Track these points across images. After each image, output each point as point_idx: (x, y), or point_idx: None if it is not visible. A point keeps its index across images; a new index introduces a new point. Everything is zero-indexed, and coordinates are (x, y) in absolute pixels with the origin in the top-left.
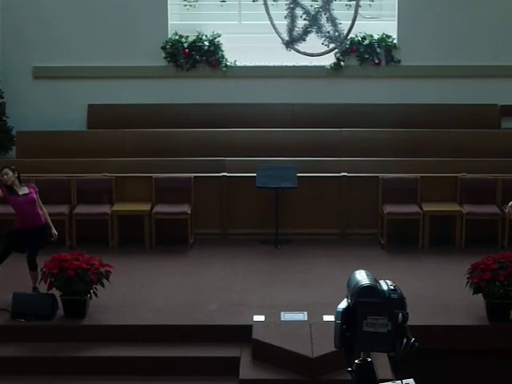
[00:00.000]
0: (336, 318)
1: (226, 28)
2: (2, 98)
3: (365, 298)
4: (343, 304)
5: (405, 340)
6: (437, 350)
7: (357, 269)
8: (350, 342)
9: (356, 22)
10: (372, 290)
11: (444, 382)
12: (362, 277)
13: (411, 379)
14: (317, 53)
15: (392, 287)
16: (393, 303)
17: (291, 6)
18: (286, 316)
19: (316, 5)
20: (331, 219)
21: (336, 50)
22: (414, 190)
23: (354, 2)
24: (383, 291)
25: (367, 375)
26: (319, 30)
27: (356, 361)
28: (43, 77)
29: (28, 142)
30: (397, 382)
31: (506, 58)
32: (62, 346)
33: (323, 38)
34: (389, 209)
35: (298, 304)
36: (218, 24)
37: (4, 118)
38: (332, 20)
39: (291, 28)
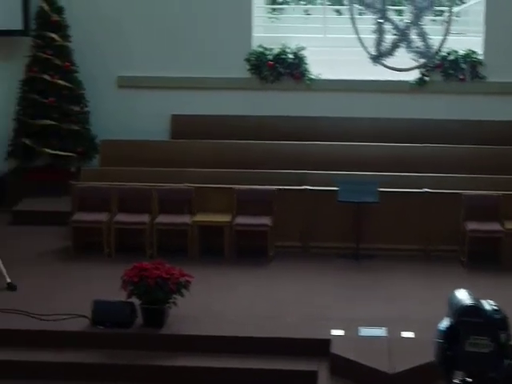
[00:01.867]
0: (438, 337)
1: (310, 41)
2: (87, 106)
3: (468, 317)
4: (445, 323)
5: (507, 361)
6: None
7: (440, 286)
8: (451, 361)
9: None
10: (475, 309)
11: None
12: (463, 296)
13: None
14: (405, 68)
15: (495, 307)
16: (496, 323)
17: (380, 20)
18: (365, 331)
19: (406, 20)
20: (412, 235)
21: (423, 66)
22: (496, 207)
23: (444, 17)
24: (486, 311)
25: None
26: (409, 45)
27: (455, 380)
28: (127, 86)
29: (111, 151)
30: None
31: None
32: (140, 354)
33: (412, 53)
34: (471, 226)
35: (376, 319)
36: (303, 37)
37: (88, 127)
38: (422, 35)
39: (379, 42)
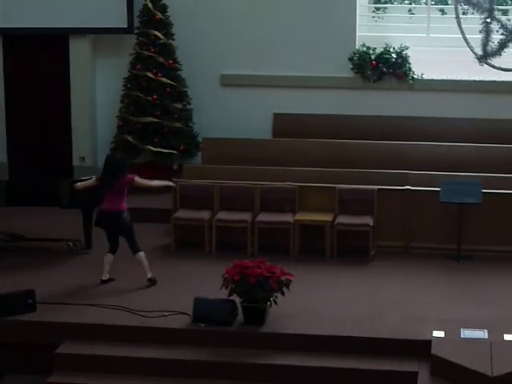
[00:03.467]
0: None
1: (413, 40)
2: (190, 104)
3: None
4: None
5: None
6: None
7: None
8: None
9: None
10: None
11: None
12: None
13: None
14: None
15: None
16: None
17: (487, 20)
18: (466, 333)
19: None
20: None
21: None
22: None
23: None
24: None
25: None
26: None
27: None
28: (230, 84)
29: (213, 149)
30: None
31: None
32: (241, 352)
33: None
34: None
35: (478, 321)
36: (406, 36)
37: (191, 124)
38: None
39: (486, 42)
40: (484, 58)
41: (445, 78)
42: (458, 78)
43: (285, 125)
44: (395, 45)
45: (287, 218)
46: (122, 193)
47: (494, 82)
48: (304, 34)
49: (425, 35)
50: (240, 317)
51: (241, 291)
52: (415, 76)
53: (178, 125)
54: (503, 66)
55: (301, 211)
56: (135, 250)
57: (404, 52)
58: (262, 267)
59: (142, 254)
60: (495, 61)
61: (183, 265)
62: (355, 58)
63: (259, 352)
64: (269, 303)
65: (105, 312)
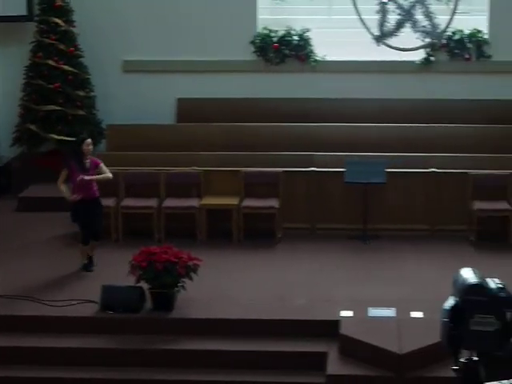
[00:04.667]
0: (443, 317)
1: (315, 22)
2: (92, 91)
3: (473, 296)
4: (450, 302)
5: None
6: None
7: (448, 266)
8: (457, 340)
9: (447, 17)
10: (480, 288)
11: None
12: (469, 275)
13: None
14: (410, 47)
15: (500, 285)
16: (501, 302)
17: (383, 0)
18: (374, 312)
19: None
20: (420, 215)
21: (428, 45)
22: (503, 186)
23: None
24: (491, 289)
25: (473, 374)
26: (414, 25)
27: (462, 359)
28: (133, 70)
29: (117, 136)
30: (504, 381)
31: None
32: (150, 338)
33: (419, 33)
34: (478, 205)
35: (385, 300)
36: (308, 18)
37: (94, 112)
38: (428, 14)
39: (382, 23)
40: (381, 38)
41: (347, 59)
42: (361, 59)
43: (189, 110)
44: (297, 27)
45: (193, 202)
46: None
47: (396, 62)
48: (205, 18)
49: (326, 17)
50: (148, 303)
51: (148, 277)
52: (318, 58)
53: (81, 112)
54: (401, 46)
55: (207, 196)
56: (100, 236)
57: (306, 34)
58: (169, 253)
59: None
60: (394, 41)
61: None
62: (257, 41)
63: (169, 338)
64: (177, 289)
65: (13, 303)
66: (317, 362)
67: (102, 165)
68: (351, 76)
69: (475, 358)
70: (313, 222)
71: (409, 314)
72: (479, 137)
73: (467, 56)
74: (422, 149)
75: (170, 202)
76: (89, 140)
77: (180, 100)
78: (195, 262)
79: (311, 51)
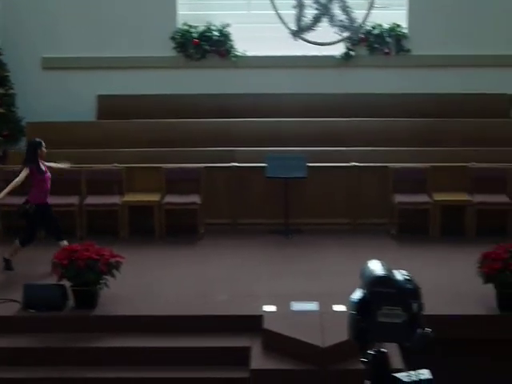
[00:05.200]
0: (350, 309)
1: (235, 18)
2: (12, 89)
3: (379, 288)
4: (357, 294)
5: (419, 331)
6: (447, 339)
7: (369, 259)
8: (365, 332)
9: (365, 11)
10: (387, 280)
11: (455, 371)
12: (376, 267)
13: (427, 370)
14: (327, 42)
15: (407, 277)
16: (408, 293)
17: None
18: (297, 306)
19: None
20: (341, 209)
21: (346, 40)
22: (424, 179)
23: None
24: (398, 281)
25: (381, 366)
26: (332, 20)
27: (370, 351)
28: (52, 68)
29: (38, 133)
30: (411, 372)
31: None
32: (73, 336)
33: (336, 27)
34: (399, 199)
35: (308, 294)
36: (227, 14)
37: (14, 109)
38: (345, 9)
39: (299, 18)
40: (298, 33)
41: (267, 54)
42: (281, 54)
43: (109, 106)
44: (217, 22)
45: (115, 199)
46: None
47: (316, 57)
48: (125, 14)
49: (245, 12)
50: (71, 301)
51: (70, 275)
52: (238, 53)
53: (0, 110)
54: (319, 41)
55: (129, 192)
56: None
57: (226, 29)
58: (90, 250)
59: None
60: (312, 36)
61: None
62: (177, 36)
63: (92, 335)
64: (99, 286)
65: None
66: (240, 357)
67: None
68: (272, 71)
69: (383, 350)
70: (234, 218)
71: (331, 308)
72: (399, 130)
73: (387, 50)
74: (342, 143)
75: (91, 200)
76: (43, 144)
77: (100, 97)
78: (117, 259)
79: (231, 46)
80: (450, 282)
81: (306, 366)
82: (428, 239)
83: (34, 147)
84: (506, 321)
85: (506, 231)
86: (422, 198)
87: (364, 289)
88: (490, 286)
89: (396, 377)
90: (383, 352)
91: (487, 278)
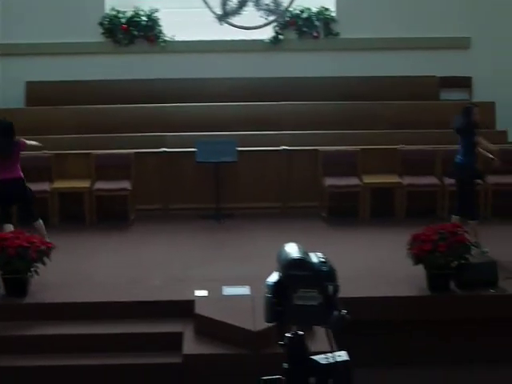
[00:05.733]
0: (266, 292)
1: (163, 2)
2: None
3: (295, 270)
4: (273, 277)
5: (336, 313)
6: (378, 321)
7: (301, 242)
8: (281, 315)
9: None
10: (302, 262)
11: (385, 352)
12: (292, 250)
13: (344, 351)
14: (253, 26)
15: (322, 259)
16: (323, 276)
17: None
18: (229, 290)
19: None
20: (272, 193)
21: (274, 23)
22: (353, 162)
23: None
24: (313, 264)
25: (299, 349)
26: (257, 3)
27: (287, 334)
28: None
29: None
30: (329, 354)
31: (444, 30)
32: (4, 325)
33: (262, 11)
34: (329, 181)
35: (240, 278)
36: None
37: None
38: None
39: (225, 2)
40: (223, 17)
41: (196, 39)
42: (210, 38)
43: (38, 93)
44: (145, 8)
45: (44, 186)
46: (18, 159)
47: (245, 41)
48: (53, 0)
49: None
50: (1, 289)
51: (0, 263)
52: (167, 38)
53: None
54: (245, 25)
55: (59, 179)
56: (35, 217)
57: (154, 14)
58: (20, 238)
59: (41, 221)
60: (238, 20)
61: None
62: (105, 22)
63: (23, 323)
64: (30, 274)
65: None
66: (173, 342)
67: (27, 143)
68: (200, 56)
69: (300, 333)
70: (166, 203)
71: (263, 292)
72: (329, 113)
73: (315, 34)
74: (272, 127)
75: None
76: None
77: (29, 83)
78: (48, 246)
79: (160, 32)
80: (381, 264)
81: (238, 350)
82: (358, 221)
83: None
84: (436, 301)
85: (436, 212)
86: (352, 181)
87: (280, 272)
88: (421, 268)
89: (313, 359)
90: (300, 335)
91: (417, 260)
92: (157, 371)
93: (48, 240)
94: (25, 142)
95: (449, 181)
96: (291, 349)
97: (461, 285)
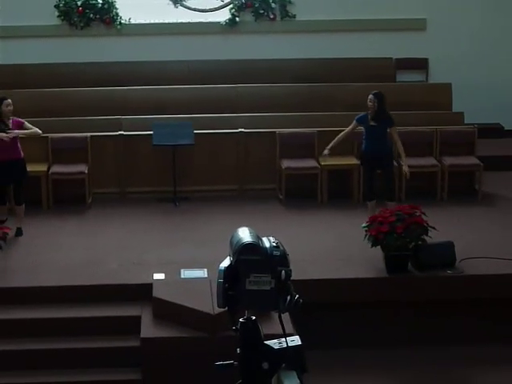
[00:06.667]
0: (218, 277)
1: None
2: None
3: (247, 255)
4: (225, 262)
5: (288, 297)
6: (335, 303)
7: (251, 225)
8: (233, 300)
9: None
10: (254, 247)
11: (343, 335)
12: (244, 234)
13: (296, 336)
14: (209, 8)
15: (274, 244)
16: (275, 260)
17: None
18: (186, 273)
19: None
20: (229, 175)
21: (231, 6)
22: (311, 144)
23: None
24: (265, 248)
25: (252, 333)
26: None
27: (240, 319)
28: None
29: None
30: (282, 339)
31: (400, 11)
32: None
33: None
34: (286, 164)
35: (197, 261)
36: None
37: None
38: None
39: None
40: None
41: (152, 21)
42: (166, 21)
43: None
44: None
45: None
46: (17, 139)
47: (202, 23)
48: None
49: None
50: None
51: None
52: (123, 21)
53: None
54: (200, 8)
55: None
56: (21, 200)
57: None
58: None
59: (23, 206)
60: (193, 3)
61: None
62: (61, 5)
63: None
64: None
65: None
66: (131, 325)
67: (25, 124)
68: (157, 38)
69: (253, 317)
70: (123, 186)
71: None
72: (285, 96)
73: (272, 16)
74: (229, 109)
75: None
76: (8, 100)
77: None
78: (4, 230)
79: (116, 14)
80: (339, 246)
81: (196, 333)
82: (316, 204)
83: None
84: (394, 282)
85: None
86: (310, 163)
87: (232, 256)
88: (378, 249)
89: (266, 344)
90: (253, 319)
91: (374, 242)
92: (115, 355)
93: (22, 230)
94: (23, 122)
95: (407, 162)
96: (244, 334)
97: (418, 266)
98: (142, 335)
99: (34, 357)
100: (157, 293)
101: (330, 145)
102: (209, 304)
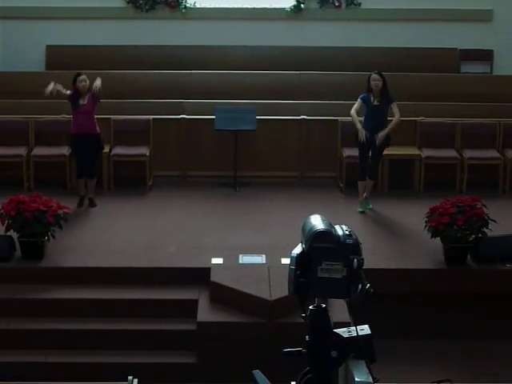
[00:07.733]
0: (290, 264)
1: None
2: None
3: (320, 243)
4: (298, 249)
5: (360, 286)
6: (395, 294)
7: (313, 213)
8: (304, 287)
9: None
10: (327, 234)
11: (403, 325)
12: (317, 221)
13: (366, 325)
14: None
15: (347, 232)
16: (348, 249)
17: None
18: (245, 259)
19: None
20: (290, 162)
21: None
22: None
23: None
24: (338, 236)
25: (321, 321)
26: None
27: (310, 307)
28: (0, 17)
29: None
30: (351, 327)
31: (467, 2)
32: (20, 287)
33: None
34: (347, 152)
35: (256, 247)
36: None
37: None
38: None
39: None
40: None
41: (217, 5)
42: (231, 5)
43: (58, 57)
44: None
45: (63, 150)
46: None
47: (266, 9)
48: None
49: None
50: (18, 252)
51: (17, 226)
52: (188, 5)
53: None
54: None
55: None
56: (94, 174)
57: None
58: (38, 202)
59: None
60: None
61: None
62: None
63: (39, 287)
64: (46, 237)
65: None
66: (188, 309)
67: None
68: (222, 23)
69: (323, 305)
70: (184, 170)
71: (279, 261)
72: (348, 84)
73: (337, 3)
74: (292, 96)
75: (39, 151)
76: (82, 76)
77: (49, 47)
78: (65, 210)
79: None
80: (398, 237)
81: (252, 318)
82: (376, 193)
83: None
84: (453, 274)
85: (454, 186)
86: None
87: (304, 244)
88: (438, 241)
89: (336, 332)
90: (323, 307)
91: (434, 233)
92: (171, 338)
93: (94, 202)
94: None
95: (469, 154)
96: (313, 321)
97: (477, 259)
98: (199, 319)
99: (90, 338)
100: (214, 277)
101: (359, 126)
102: (266, 290)
